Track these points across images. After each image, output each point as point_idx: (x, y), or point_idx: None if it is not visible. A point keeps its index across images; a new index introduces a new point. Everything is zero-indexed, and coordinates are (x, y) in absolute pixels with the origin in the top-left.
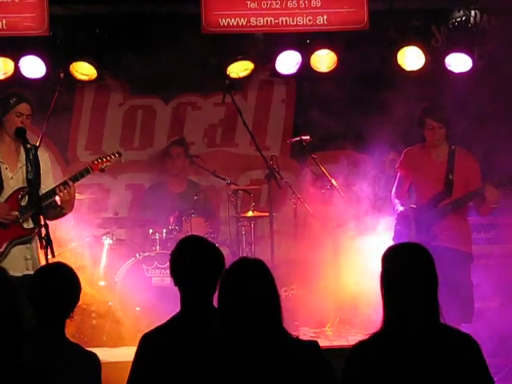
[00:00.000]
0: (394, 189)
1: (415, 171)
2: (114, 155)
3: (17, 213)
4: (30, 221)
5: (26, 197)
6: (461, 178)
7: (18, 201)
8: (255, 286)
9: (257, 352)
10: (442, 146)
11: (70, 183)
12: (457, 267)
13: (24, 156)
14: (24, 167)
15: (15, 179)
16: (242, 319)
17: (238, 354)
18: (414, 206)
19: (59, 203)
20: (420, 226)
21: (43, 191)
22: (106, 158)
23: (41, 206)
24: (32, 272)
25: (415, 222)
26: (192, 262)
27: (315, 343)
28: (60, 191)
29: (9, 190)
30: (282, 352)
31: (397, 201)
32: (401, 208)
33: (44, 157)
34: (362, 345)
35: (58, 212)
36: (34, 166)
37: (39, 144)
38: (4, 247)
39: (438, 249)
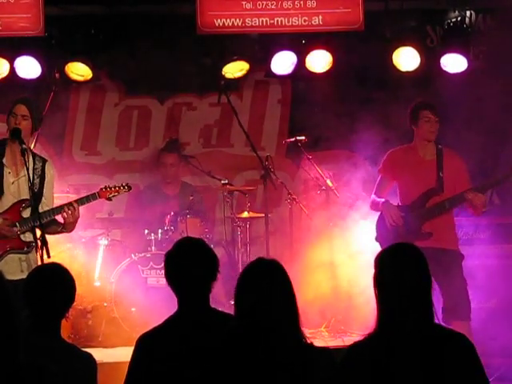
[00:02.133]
0: (373, 194)
1: (402, 171)
2: (124, 187)
3: (16, 228)
4: (30, 234)
5: (28, 209)
6: (450, 175)
7: (20, 212)
8: (272, 287)
9: (269, 354)
10: (429, 144)
11: (76, 205)
12: (446, 267)
13: (30, 165)
14: (27, 177)
15: (16, 185)
16: (259, 321)
17: (251, 355)
18: (399, 204)
19: (62, 221)
20: (408, 224)
21: (44, 204)
22: (114, 188)
23: (40, 218)
24: (26, 275)
25: (403, 222)
26: (184, 264)
27: (328, 351)
28: (65, 212)
29: (8, 195)
30: (294, 357)
31: (376, 198)
32: (379, 199)
33: (50, 172)
34: (357, 346)
35: (59, 230)
36: (39, 179)
37: (34, 145)
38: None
39: (427, 251)
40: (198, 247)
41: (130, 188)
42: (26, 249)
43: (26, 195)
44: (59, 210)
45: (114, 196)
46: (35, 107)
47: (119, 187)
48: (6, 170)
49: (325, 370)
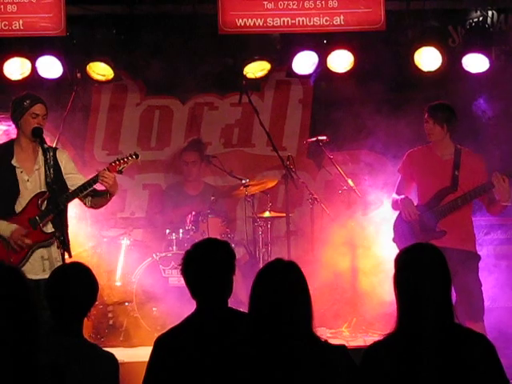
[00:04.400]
0: (394, 193)
1: (420, 171)
2: (131, 156)
3: (30, 241)
4: (50, 225)
5: (46, 201)
6: (467, 174)
7: (38, 206)
8: (288, 288)
9: (286, 354)
10: (446, 144)
11: (102, 174)
12: (462, 268)
13: (41, 158)
14: (41, 169)
15: (32, 182)
16: (273, 320)
17: (266, 355)
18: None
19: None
20: (424, 223)
21: (75, 185)
22: (123, 160)
23: (60, 209)
24: (48, 274)
25: (419, 220)
26: (202, 267)
27: (343, 347)
28: (101, 180)
29: (26, 193)
30: (310, 355)
31: (396, 196)
32: (398, 197)
33: (64, 156)
34: (376, 346)
35: (105, 198)
36: (52, 168)
37: (56, 144)
38: (25, 253)
39: (443, 251)
40: (215, 247)
41: (137, 156)
42: (48, 240)
43: (44, 188)
44: (76, 193)
45: (123, 168)
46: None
47: (127, 157)
48: (18, 170)
49: (340, 366)
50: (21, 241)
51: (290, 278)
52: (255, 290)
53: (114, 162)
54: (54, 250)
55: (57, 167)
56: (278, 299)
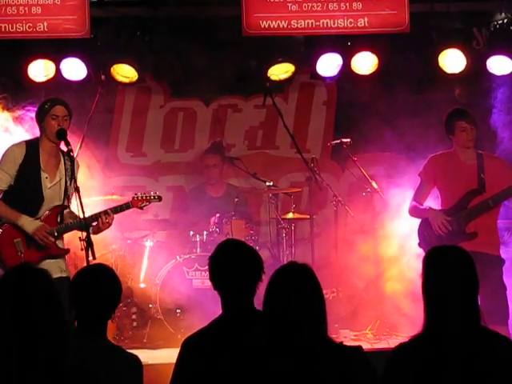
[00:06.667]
0: (412, 200)
1: (443, 175)
2: (155, 197)
3: (53, 239)
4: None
5: (63, 214)
6: (492, 177)
7: (57, 219)
8: (302, 292)
9: (301, 357)
10: (469, 150)
11: (112, 214)
12: (487, 272)
13: (63, 168)
14: (62, 181)
15: (52, 190)
16: (286, 324)
17: (282, 359)
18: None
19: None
20: (452, 227)
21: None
22: (146, 198)
23: (86, 224)
24: (65, 274)
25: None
26: (231, 265)
27: (359, 348)
28: (101, 218)
29: (46, 201)
30: (325, 358)
31: (418, 204)
32: (421, 207)
33: (77, 170)
34: (402, 347)
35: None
36: (72, 181)
37: (80, 146)
38: (37, 261)
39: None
40: (242, 248)
41: (160, 199)
42: (61, 255)
43: (58, 201)
44: (97, 217)
45: (145, 205)
46: (70, 107)
47: (150, 197)
48: (43, 175)
49: (356, 367)
50: (46, 238)
51: (302, 281)
52: (268, 292)
53: (137, 197)
54: (63, 262)
55: (72, 180)
56: (290, 302)
